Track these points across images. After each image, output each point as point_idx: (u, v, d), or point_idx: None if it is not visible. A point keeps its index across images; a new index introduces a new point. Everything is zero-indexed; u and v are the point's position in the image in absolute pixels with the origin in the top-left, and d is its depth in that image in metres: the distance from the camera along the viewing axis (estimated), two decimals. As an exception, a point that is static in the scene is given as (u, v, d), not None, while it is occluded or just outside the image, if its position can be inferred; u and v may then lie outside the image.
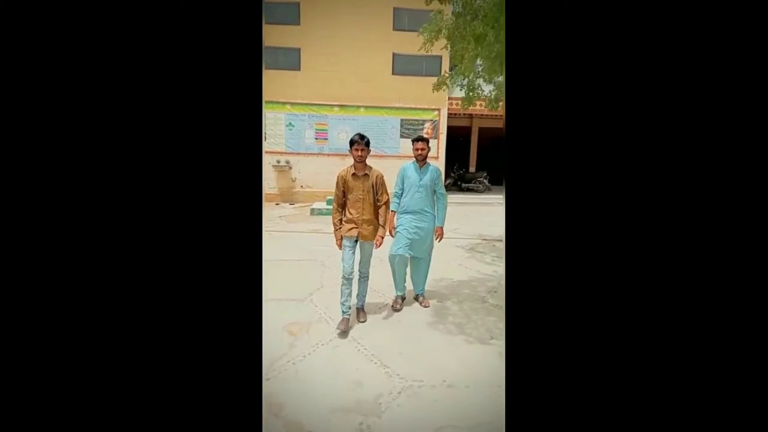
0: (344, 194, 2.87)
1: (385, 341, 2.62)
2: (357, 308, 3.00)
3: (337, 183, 2.88)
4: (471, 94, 3.75)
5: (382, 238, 2.92)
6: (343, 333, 2.68)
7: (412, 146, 3.21)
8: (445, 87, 3.79)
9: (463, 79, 3.67)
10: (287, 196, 9.71)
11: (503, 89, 3.56)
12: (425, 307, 3.23)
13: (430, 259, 3.29)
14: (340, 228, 2.88)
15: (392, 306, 3.18)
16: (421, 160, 3.14)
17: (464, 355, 2.47)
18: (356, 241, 2.87)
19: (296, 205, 9.24)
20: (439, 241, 3.24)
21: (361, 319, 2.93)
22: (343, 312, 2.79)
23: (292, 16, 9.29)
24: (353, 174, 2.84)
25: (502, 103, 4.12)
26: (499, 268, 4.43)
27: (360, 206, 2.84)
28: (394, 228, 3.16)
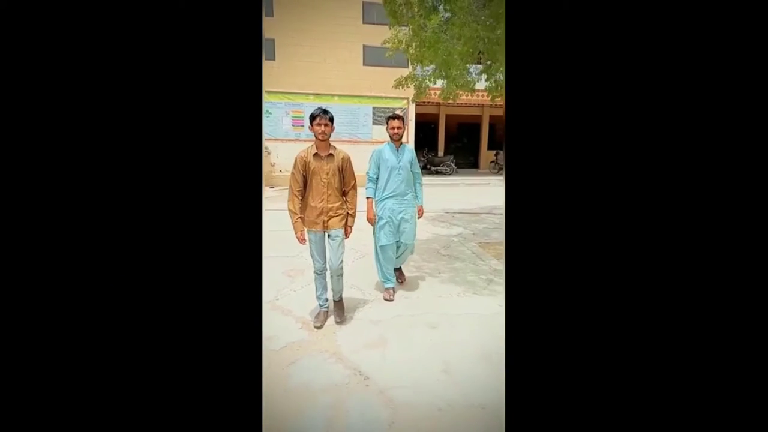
0: (305, 179, 2.46)
1: (360, 278, 3.51)
2: (334, 301, 2.66)
3: (296, 164, 2.44)
4: (421, 90, 4.69)
5: (351, 228, 2.61)
6: (320, 328, 2.49)
7: (386, 125, 2.99)
8: (402, 86, 4.70)
9: (414, 82, 4.59)
10: (267, 180, 10.35)
11: (453, 83, 4.43)
12: (400, 282, 3.23)
13: (414, 243, 3.19)
14: (301, 216, 2.47)
15: (384, 297, 3.00)
16: (397, 139, 2.94)
17: (418, 282, 3.41)
18: (323, 232, 2.52)
19: (276, 188, 9.92)
20: (419, 218, 3.17)
21: (338, 319, 2.54)
22: (320, 305, 2.59)
23: (265, 8, 9.81)
24: (315, 154, 2.43)
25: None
26: (452, 231, 5.41)
27: (324, 192, 2.45)
28: (375, 216, 2.97)
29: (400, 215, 2.96)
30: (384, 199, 2.96)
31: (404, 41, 3.99)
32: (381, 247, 3.00)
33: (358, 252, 4.24)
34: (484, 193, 9.47)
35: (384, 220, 2.95)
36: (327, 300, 2.59)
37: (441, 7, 3.53)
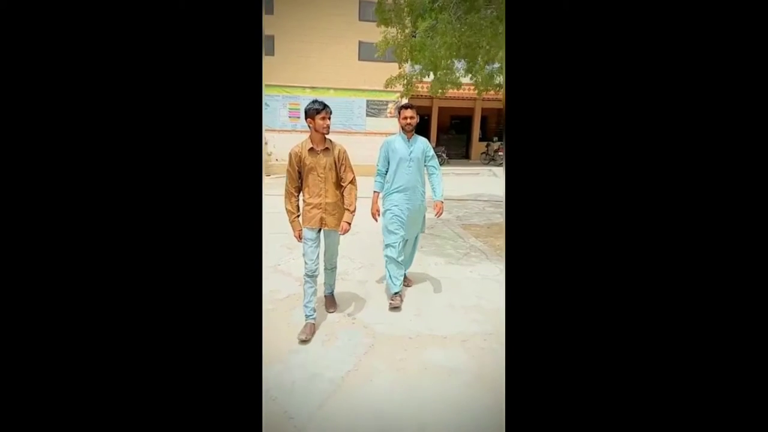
0: (300, 175, 2.35)
1: (350, 250, 4.00)
2: (325, 296, 2.65)
3: (290, 161, 2.31)
4: (409, 87, 5.18)
5: (349, 224, 2.35)
6: (305, 342, 2.23)
7: (398, 116, 2.76)
8: (393, 85, 5.20)
9: (404, 80, 5.09)
10: (264, 169, 10.78)
11: (439, 80, 4.92)
12: (406, 286, 3.01)
13: (418, 239, 3.06)
14: (298, 215, 2.37)
15: (390, 304, 2.70)
16: (410, 130, 2.71)
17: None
18: (319, 230, 2.39)
19: (272, 176, 10.37)
20: (438, 217, 2.88)
21: (330, 309, 2.56)
22: (307, 315, 2.33)
23: (266, 6, 10.17)
24: (310, 149, 2.30)
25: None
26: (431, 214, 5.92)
27: (322, 188, 2.33)
28: (379, 211, 2.78)
29: (408, 210, 2.72)
30: (390, 194, 2.73)
31: (391, 42, 4.47)
32: (386, 245, 2.76)
33: (350, 230, 4.73)
34: (472, 182, 9.97)
35: (389, 217, 2.72)
36: (315, 311, 2.36)
37: (426, 15, 3.99)
